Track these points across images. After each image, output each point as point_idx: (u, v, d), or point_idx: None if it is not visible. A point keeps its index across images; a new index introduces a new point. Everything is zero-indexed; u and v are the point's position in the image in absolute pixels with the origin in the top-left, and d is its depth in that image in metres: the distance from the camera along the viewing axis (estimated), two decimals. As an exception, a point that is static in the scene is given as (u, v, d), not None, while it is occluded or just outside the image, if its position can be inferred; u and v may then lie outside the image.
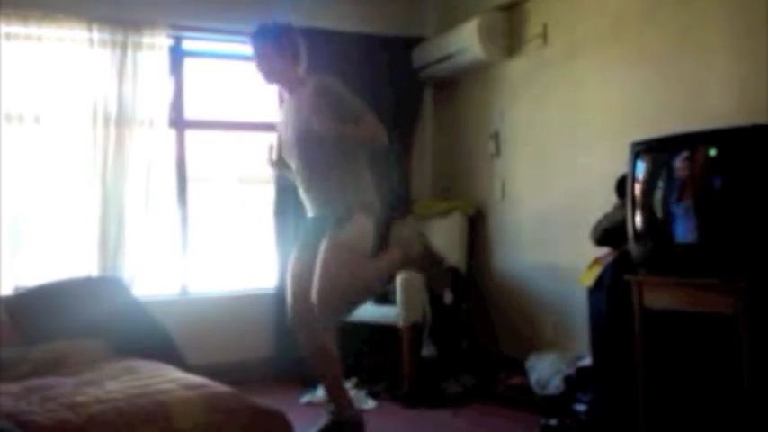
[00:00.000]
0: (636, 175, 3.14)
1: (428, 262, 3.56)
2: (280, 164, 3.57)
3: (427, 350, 4.25)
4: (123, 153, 4.44)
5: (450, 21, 4.92)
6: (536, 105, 4.49)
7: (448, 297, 4.39)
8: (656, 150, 3.09)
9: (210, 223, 5.00)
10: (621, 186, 3.36)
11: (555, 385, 3.76)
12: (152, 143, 4.52)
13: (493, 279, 4.82)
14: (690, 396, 3.01)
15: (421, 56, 5.14)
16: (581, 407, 3.49)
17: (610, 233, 3.43)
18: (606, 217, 3.49)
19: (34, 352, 3.23)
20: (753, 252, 2.73)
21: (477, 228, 4.91)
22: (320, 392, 4.10)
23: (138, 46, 4.46)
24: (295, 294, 3.44)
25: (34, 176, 4.27)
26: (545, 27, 4.38)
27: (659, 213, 3.07)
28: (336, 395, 3.47)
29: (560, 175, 4.29)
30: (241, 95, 5.06)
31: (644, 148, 3.13)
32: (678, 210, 3.00)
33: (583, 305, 3.51)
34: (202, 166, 4.97)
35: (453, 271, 4.53)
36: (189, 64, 4.85)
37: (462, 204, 4.90)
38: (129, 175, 4.45)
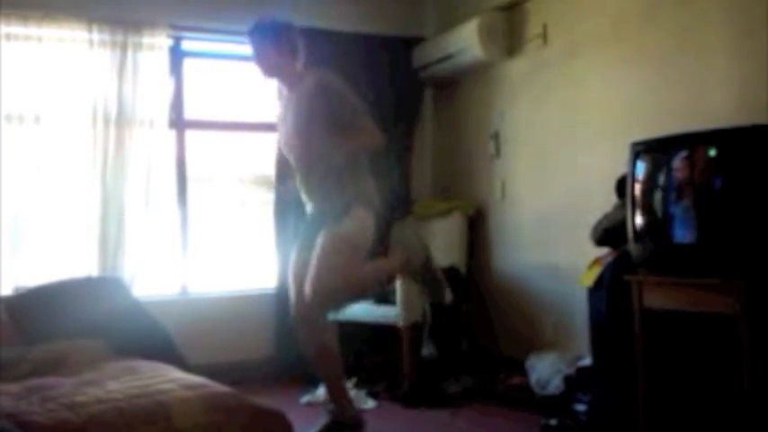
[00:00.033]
0: (636, 175, 3.14)
1: (427, 275, 3.59)
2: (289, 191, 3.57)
3: (427, 350, 4.25)
4: (123, 153, 4.44)
5: (450, 21, 4.93)
6: (536, 105, 4.49)
7: (448, 297, 4.38)
8: (657, 150, 3.09)
9: (210, 223, 5.00)
10: (621, 186, 3.36)
11: (555, 385, 3.76)
12: (152, 143, 4.52)
13: (493, 279, 4.82)
14: (690, 396, 3.01)
15: (421, 56, 5.15)
16: (581, 407, 3.49)
17: (610, 233, 3.43)
18: (606, 217, 3.49)
19: (34, 352, 3.23)
20: (753, 252, 2.73)
21: (477, 228, 4.91)
22: (320, 392, 4.11)
23: (137, 46, 4.46)
24: (297, 293, 3.44)
25: (34, 176, 4.28)
26: (545, 27, 4.38)
27: (659, 213, 3.07)
28: (337, 394, 3.47)
29: (560, 175, 4.29)
30: (241, 95, 5.06)
31: (644, 148, 3.13)
32: (678, 210, 3.00)
33: (583, 305, 3.51)
34: (202, 166, 4.97)
35: (453, 271, 4.53)
36: (189, 64, 4.86)
37: (462, 204, 4.91)
38: (129, 176, 4.45)
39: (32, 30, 4.23)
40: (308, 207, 3.49)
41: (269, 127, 4.85)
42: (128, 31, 4.43)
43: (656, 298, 3.06)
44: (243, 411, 2.61)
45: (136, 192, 4.47)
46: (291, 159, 3.51)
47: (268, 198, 4.93)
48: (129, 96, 4.45)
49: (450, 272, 4.49)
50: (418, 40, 5.21)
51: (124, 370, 2.95)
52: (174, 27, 4.62)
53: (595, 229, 3.53)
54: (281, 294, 4.81)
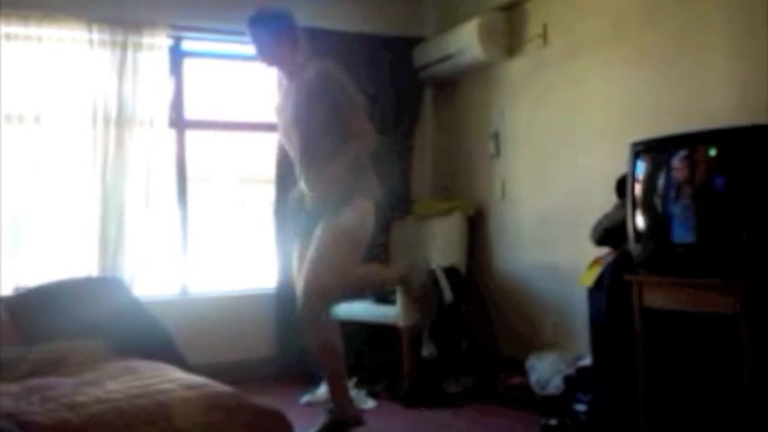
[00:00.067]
0: (636, 175, 3.14)
1: (423, 296, 3.63)
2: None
3: (427, 350, 4.25)
4: (123, 153, 4.44)
5: (451, 21, 4.93)
6: (536, 105, 4.49)
7: (448, 297, 4.39)
8: (657, 150, 3.09)
9: (210, 223, 5.00)
10: (621, 186, 3.36)
11: (555, 385, 3.76)
12: (152, 143, 4.52)
13: (493, 279, 4.82)
14: (690, 396, 3.01)
15: (421, 56, 5.15)
16: (581, 407, 3.49)
17: (610, 233, 3.43)
18: (606, 217, 3.49)
19: (34, 352, 3.23)
20: (753, 252, 2.73)
21: (477, 228, 4.91)
22: (320, 392, 4.11)
23: (137, 46, 4.46)
24: (301, 287, 3.44)
25: (34, 176, 4.27)
26: (545, 27, 4.38)
27: (659, 213, 3.07)
28: (338, 393, 3.46)
29: (560, 175, 4.29)
30: (241, 95, 5.06)
31: (644, 148, 3.13)
32: (678, 210, 3.00)
33: (583, 305, 3.51)
34: (202, 166, 4.97)
35: (454, 271, 4.53)
36: (189, 64, 4.85)
37: (462, 204, 4.90)
38: (129, 175, 4.45)
39: (32, 30, 4.23)
40: (308, 198, 3.47)
41: (269, 127, 4.85)
42: (128, 31, 4.43)
43: (656, 298, 3.06)
44: (243, 411, 2.61)
45: (136, 192, 4.47)
46: (291, 150, 3.51)
47: (268, 198, 4.93)
48: (129, 96, 4.45)
49: (451, 272, 4.50)
50: (418, 40, 5.21)
51: (124, 370, 2.95)
52: (174, 27, 4.61)
53: (595, 228, 3.53)
54: (281, 294, 4.82)
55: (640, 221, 3.12)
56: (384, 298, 4.40)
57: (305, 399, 4.20)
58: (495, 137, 4.78)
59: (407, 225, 5.13)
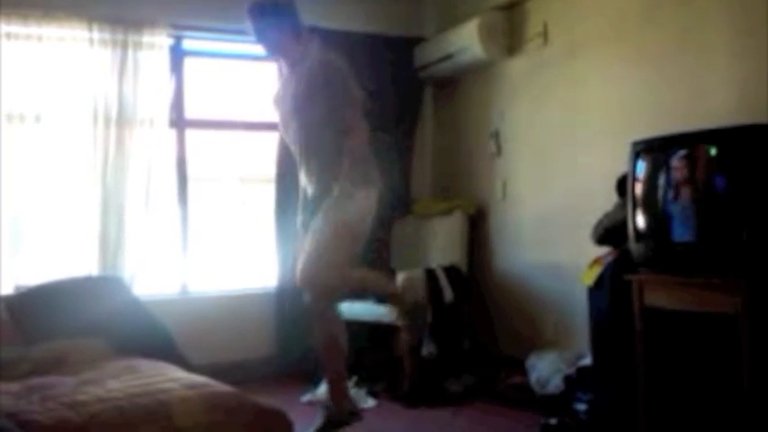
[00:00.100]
0: (636, 175, 3.14)
1: (413, 313, 3.63)
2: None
3: (428, 349, 4.25)
4: (124, 152, 4.44)
5: (451, 20, 4.92)
6: (536, 105, 4.49)
7: (448, 296, 4.39)
8: (657, 150, 3.09)
9: (211, 223, 5.00)
10: (622, 186, 3.36)
11: (555, 384, 3.76)
12: (152, 143, 4.52)
13: (494, 278, 4.82)
14: (690, 396, 3.01)
15: (421, 55, 5.15)
16: (581, 406, 3.49)
17: (610, 232, 3.43)
18: (607, 216, 3.49)
19: (35, 351, 3.23)
20: (753, 251, 2.73)
21: (477, 227, 4.91)
22: (321, 391, 4.11)
23: (138, 45, 4.46)
24: (298, 277, 3.43)
25: (35, 176, 4.27)
26: (545, 26, 4.38)
27: (660, 213, 3.07)
28: (337, 391, 3.46)
29: (561, 175, 4.29)
30: (241, 94, 5.06)
31: (644, 148, 3.13)
32: (678, 209, 3.00)
33: (583, 304, 3.51)
34: (203, 165, 4.97)
35: (454, 270, 4.53)
36: (189, 63, 4.85)
37: (463, 203, 4.90)
38: (129, 175, 4.45)
39: (32, 29, 4.23)
40: (309, 191, 3.46)
41: (269, 126, 4.85)
42: (128, 29, 4.43)
43: (656, 297, 3.06)
44: (244, 410, 2.61)
45: (136, 191, 4.47)
46: (290, 142, 3.50)
47: (268, 197, 4.93)
48: (130, 95, 4.45)
49: (451, 271, 4.50)
50: (419, 40, 5.21)
51: (125, 369, 2.95)
52: (174, 26, 4.61)
53: (596, 228, 3.53)
54: (281, 294, 4.82)
55: (641, 221, 3.12)
56: (385, 297, 4.40)
57: (306, 398, 4.20)
58: (496, 136, 4.78)
59: (408, 224, 5.13)
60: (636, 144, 3.17)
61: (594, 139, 4.02)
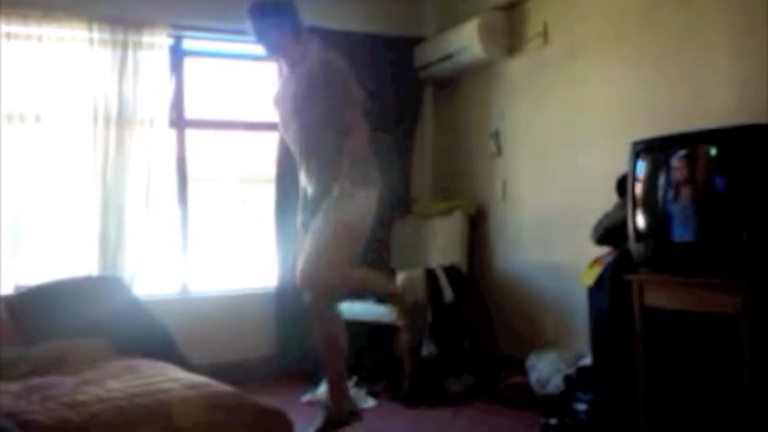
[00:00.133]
0: (636, 175, 3.14)
1: (413, 313, 3.63)
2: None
3: (428, 349, 4.25)
4: (124, 152, 4.44)
5: (451, 20, 4.92)
6: (536, 105, 4.49)
7: (448, 296, 4.39)
8: (657, 150, 3.09)
9: (211, 223, 5.00)
10: (622, 186, 3.36)
11: (555, 384, 3.76)
12: (152, 143, 4.52)
13: (494, 278, 4.82)
14: (690, 396, 3.01)
15: (421, 55, 5.15)
16: (581, 406, 3.49)
17: (610, 232, 3.43)
18: (607, 216, 3.49)
19: (35, 351, 3.23)
20: (754, 251, 2.73)
21: (477, 227, 4.91)
22: (321, 391, 4.11)
23: (138, 45, 4.46)
24: (298, 277, 3.43)
25: (35, 176, 4.27)
26: (545, 26, 4.38)
27: (660, 213, 3.07)
28: (336, 392, 3.46)
29: (561, 175, 4.29)
30: (242, 94, 5.06)
31: (644, 148, 3.13)
32: (678, 209, 3.00)
33: (583, 304, 3.51)
34: (203, 165, 4.97)
35: (455, 270, 4.53)
36: (189, 63, 4.85)
37: (463, 203, 4.90)
38: (129, 175, 4.45)
39: (32, 29, 4.23)
40: (309, 191, 3.46)
41: (269, 126, 4.85)
42: (128, 29, 4.43)
43: (656, 297, 3.06)
44: (244, 410, 2.61)
45: (136, 191, 4.47)
46: (290, 142, 3.49)
47: (268, 197, 4.93)
48: (130, 95, 4.45)
49: (452, 271, 4.50)
50: (419, 40, 5.21)
51: (125, 369, 2.95)
52: (174, 26, 4.61)
53: (596, 228, 3.53)
54: (281, 293, 4.82)
55: (641, 221, 3.12)
56: (385, 297, 4.40)
57: (306, 397, 4.20)
58: (496, 136, 4.78)
59: (408, 224, 5.13)
60: (636, 144, 3.17)
61: (594, 139, 4.03)
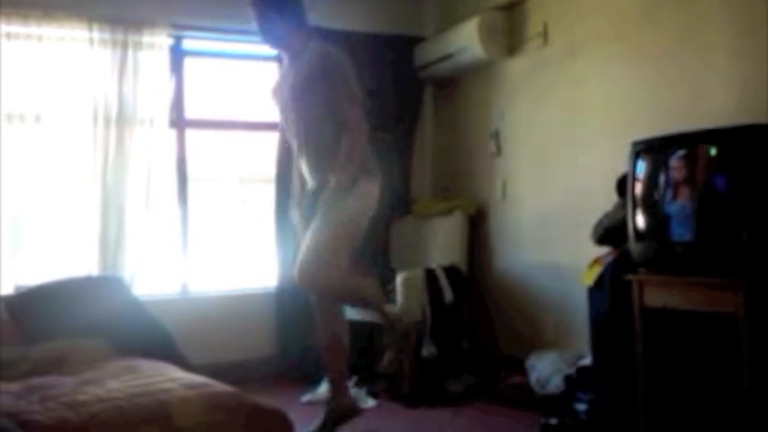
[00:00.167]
0: (636, 175, 3.14)
1: (399, 339, 3.61)
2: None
3: (428, 350, 4.24)
4: (124, 152, 4.44)
5: (451, 20, 4.92)
6: (536, 105, 4.49)
7: (448, 296, 4.39)
8: (657, 150, 3.09)
9: (211, 223, 5.00)
10: (622, 186, 3.36)
11: (555, 384, 3.76)
12: (152, 143, 4.52)
13: (493, 278, 4.82)
14: (690, 395, 3.01)
15: (421, 55, 5.15)
16: (581, 406, 3.49)
17: (610, 232, 3.43)
18: (607, 216, 3.49)
19: (35, 351, 3.23)
20: (753, 251, 2.73)
21: (477, 227, 4.91)
22: (321, 391, 4.12)
23: (138, 45, 4.46)
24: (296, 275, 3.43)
25: (35, 176, 4.27)
26: (545, 26, 4.38)
27: (660, 213, 3.07)
28: (337, 390, 3.46)
29: (561, 175, 4.29)
30: (242, 94, 5.06)
31: (644, 148, 3.13)
32: (678, 209, 3.00)
33: (583, 304, 3.51)
34: (203, 165, 4.97)
35: (455, 270, 4.53)
36: (189, 63, 4.85)
37: (463, 203, 4.90)
38: (129, 175, 4.45)
39: (32, 29, 4.23)
40: (310, 184, 3.45)
41: (269, 126, 4.86)
42: (128, 29, 4.43)
43: (656, 297, 3.06)
44: (244, 410, 2.61)
45: (136, 191, 4.47)
46: (290, 135, 3.49)
47: (268, 197, 4.93)
48: (130, 95, 4.45)
49: (452, 271, 4.50)
50: (419, 40, 5.21)
51: (125, 369, 2.95)
52: (174, 26, 4.61)
53: (596, 228, 3.53)
54: (281, 293, 4.82)
55: (641, 221, 3.12)
56: (385, 297, 4.40)
57: (305, 398, 4.20)
58: (496, 136, 4.78)
59: (408, 224, 5.13)
60: (636, 144, 3.17)
61: (594, 139, 4.02)
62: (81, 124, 4.36)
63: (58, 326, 3.46)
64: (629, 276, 3.14)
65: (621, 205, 3.35)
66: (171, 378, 2.77)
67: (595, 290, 3.38)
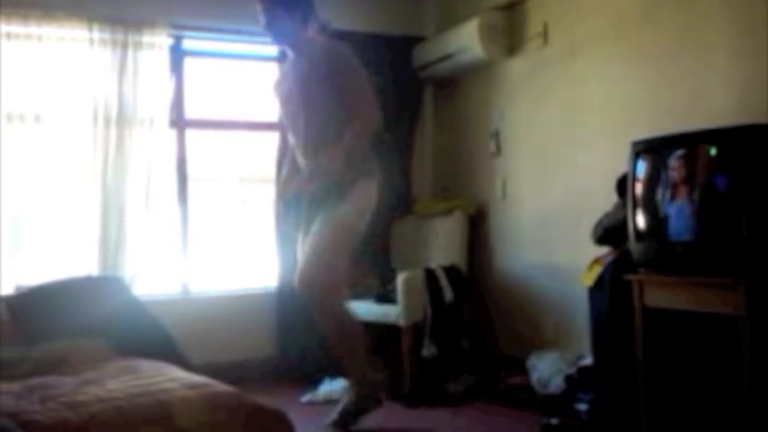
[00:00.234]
0: (636, 175, 3.14)
1: (362, 399, 3.56)
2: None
3: (428, 350, 4.25)
4: (124, 152, 4.44)
5: (451, 20, 4.92)
6: (536, 105, 4.49)
7: (448, 296, 4.39)
8: (657, 150, 3.09)
9: (211, 222, 5.00)
10: (622, 186, 3.36)
11: (556, 384, 3.77)
12: (152, 143, 4.52)
13: (494, 278, 4.82)
14: (691, 396, 3.02)
15: (421, 55, 5.15)
16: (582, 406, 3.49)
17: (610, 232, 3.43)
18: (607, 216, 3.49)
19: (35, 351, 3.23)
20: (754, 251, 2.73)
21: (477, 227, 4.91)
22: (321, 391, 4.12)
23: (138, 45, 4.46)
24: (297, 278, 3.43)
25: (35, 176, 4.27)
26: (545, 26, 4.38)
27: (660, 212, 3.07)
28: (353, 370, 3.45)
29: (561, 175, 4.29)
30: (242, 94, 5.06)
31: (644, 148, 3.13)
32: (679, 209, 3.00)
33: (584, 304, 3.51)
34: (203, 165, 4.97)
35: (455, 270, 4.53)
36: (189, 63, 4.85)
37: (463, 203, 4.90)
38: (129, 175, 4.45)
39: (32, 29, 4.23)
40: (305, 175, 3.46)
41: (270, 126, 4.86)
42: (128, 29, 4.43)
43: (656, 297, 3.06)
44: (244, 410, 2.61)
45: (136, 191, 4.47)
46: (291, 131, 3.49)
47: (268, 197, 4.93)
48: (130, 95, 4.45)
49: (452, 271, 4.50)
50: (418, 39, 5.21)
51: (125, 369, 2.95)
52: (174, 26, 4.61)
53: (596, 228, 3.53)
54: (282, 293, 4.82)
55: (641, 221, 3.12)
56: (385, 297, 4.40)
57: (306, 398, 4.20)
58: (496, 136, 4.78)
59: (408, 224, 5.13)
60: (636, 144, 3.17)
61: (594, 139, 4.03)
62: (81, 124, 4.36)
63: (58, 326, 3.46)
64: (630, 276, 3.14)
65: (621, 205, 3.35)
66: (171, 378, 2.77)
67: (595, 290, 3.38)
